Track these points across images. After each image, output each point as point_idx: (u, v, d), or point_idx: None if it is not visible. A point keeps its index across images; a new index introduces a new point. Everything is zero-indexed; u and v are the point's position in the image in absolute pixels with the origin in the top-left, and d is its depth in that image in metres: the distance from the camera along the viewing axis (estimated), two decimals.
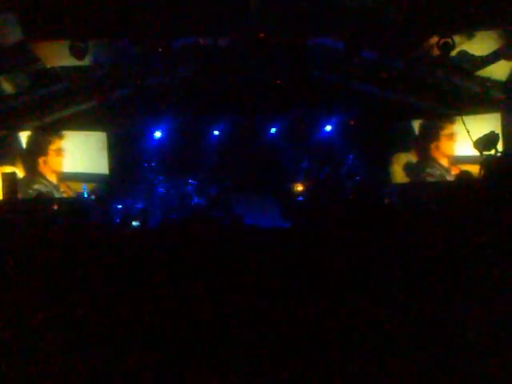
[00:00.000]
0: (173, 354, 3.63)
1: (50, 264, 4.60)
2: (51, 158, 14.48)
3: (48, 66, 9.79)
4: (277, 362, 3.52)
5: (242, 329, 3.67)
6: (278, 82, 13.51)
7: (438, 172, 14.64)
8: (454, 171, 13.97)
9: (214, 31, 11.00)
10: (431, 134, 14.88)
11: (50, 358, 3.61)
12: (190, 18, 10.30)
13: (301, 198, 14.94)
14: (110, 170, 15.16)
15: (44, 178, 14.33)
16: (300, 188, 15.40)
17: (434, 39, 8.91)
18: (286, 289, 3.94)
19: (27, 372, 3.56)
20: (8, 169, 13.23)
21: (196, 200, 15.35)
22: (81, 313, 3.96)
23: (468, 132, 10.54)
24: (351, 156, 15.81)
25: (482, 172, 8.30)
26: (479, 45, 9.27)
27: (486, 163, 7.68)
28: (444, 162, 14.59)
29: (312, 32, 10.74)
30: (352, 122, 16.01)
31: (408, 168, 15.25)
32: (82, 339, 3.77)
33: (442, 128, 14.63)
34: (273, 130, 16.64)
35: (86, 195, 14.10)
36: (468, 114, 12.76)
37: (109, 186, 14.96)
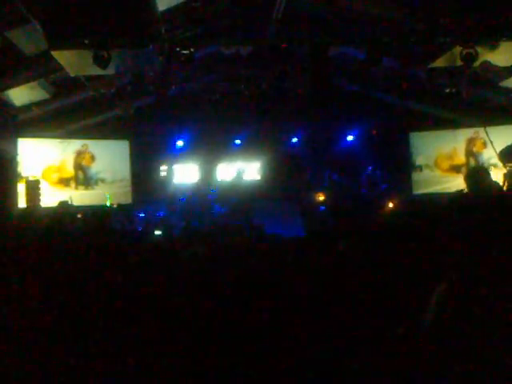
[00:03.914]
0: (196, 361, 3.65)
1: (74, 271, 4.63)
2: None
3: (72, 75, 9.88)
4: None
5: (259, 333, 3.68)
6: (300, 91, 13.53)
7: None
8: None
9: (237, 41, 11.05)
10: None
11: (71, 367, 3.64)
12: (212, 28, 10.36)
13: (322, 208, 14.90)
14: (132, 178, 15.28)
15: None
16: (321, 197, 15.36)
17: (457, 49, 8.85)
18: (305, 300, 3.94)
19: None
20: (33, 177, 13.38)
21: (217, 208, 15.36)
22: (101, 318, 3.98)
23: (491, 143, 10.45)
24: (373, 166, 15.79)
25: (506, 183, 8.21)
26: (503, 55, 9.18)
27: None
28: None
29: (333, 41, 10.75)
30: (374, 132, 15.96)
31: None
32: (103, 343, 3.80)
33: None
34: (294, 140, 16.62)
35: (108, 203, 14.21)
36: (491, 124, 12.66)
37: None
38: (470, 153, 15.30)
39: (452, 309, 3.59)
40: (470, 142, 15.21)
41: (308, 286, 4.15)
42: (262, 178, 16.48)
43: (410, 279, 4.13)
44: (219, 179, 16.46)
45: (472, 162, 15.21)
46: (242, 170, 16.21)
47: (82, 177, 14.90)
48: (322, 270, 4.39)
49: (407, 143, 15.84)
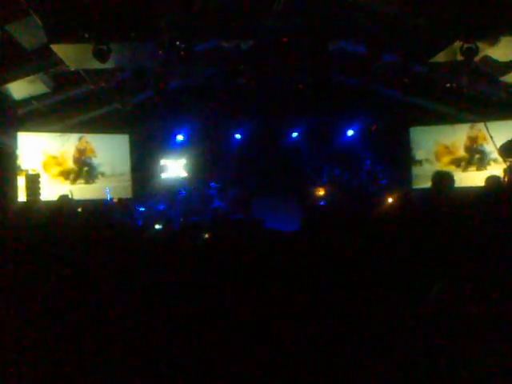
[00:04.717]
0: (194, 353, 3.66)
1: (73, 265, 4.64)
2: None
3: (72, 69, 9.88)
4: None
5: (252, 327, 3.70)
6: (300, 85, 13.51)
7: None
8: None
9: (237, 35, 11.03)
10: None
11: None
12: (212, 22, 10.33)
13: (322, 203, 14.90)
14: (132, 172, 15.28)
15: None
16: (321, 192, 15.37)
17: (458, 44, 8.85)
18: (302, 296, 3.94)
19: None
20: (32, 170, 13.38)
21: (217, 203, 15.38)
22: (101, 314, 3.99)
23: (491, 138, 10.45)
24: (371, 160, 15.80)
25: (507, 178, 8.22)
26: (503, 50, 9.19)
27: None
28: None
29: (334, 36, 10.73)
30: (374, 127, 15.95)
31: None
32: (102, 340, 3.81)
33: None
34: (294, 134, 16.61)
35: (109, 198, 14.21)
36: (492, 119, 12.65)
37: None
38: (472, 147, 15.29)
39: (449, 307, 3.60)
40: (472, 136, 15.21)
41: (304, 282, 4.15)
42: (262, 172, 16.41)
43: (409, 275, 4.14)
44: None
45: (476, 157, 15.21)
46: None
47: (83, 170, 14.89)
48: (319, 264, 4.40)
49: (407, 138, 15.83)
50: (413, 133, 15.86)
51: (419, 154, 15.82)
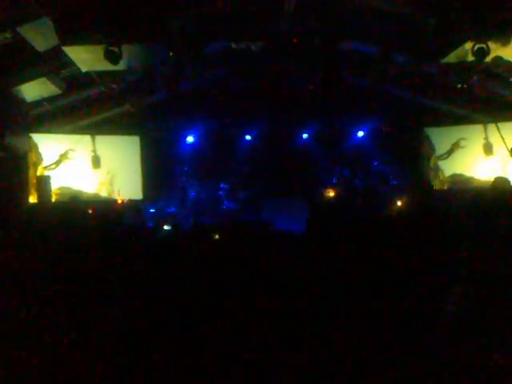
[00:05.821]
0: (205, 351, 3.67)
1: (85, 267, 4.65)
2: None
3: (83, 71, 9.91)
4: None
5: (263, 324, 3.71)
6: (310, 87, 13.49)
7: None
8: None
9: (247, 36, 11.02)
10: None
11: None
12: (223, 23, 10.35)
13: (332, 204, 14.86)
14: (143, 174, 15.29)
15: None
16: (332, 193, 15.34)
17: (469, 45, 8.80)
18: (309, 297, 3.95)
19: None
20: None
21: (227, 204, 15.39)
22: (114, 314, 4.00)
23: (503, 139, 10.40)
24: (379, 160, 15.75)
25: None
26: None
27: None
28: None
29: (344, 37, 10.71)
30: (384, 128, 15.89)
31: None
32: (117, 339, 3.82)
33: None
34: (305, 136, 16.58)
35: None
36: (503, 120, 12.57)
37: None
38: None
39: (468, 309, 3.60)
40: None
41: (312, 283, 4.16)
42: (272, 174, 16.38)
43: (421, 275, 4.13)
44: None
45: None
46: None
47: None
48: (326, 265, 4.40)
49: (418, 138, 15.73)
50: (424, 133, 15.70)
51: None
